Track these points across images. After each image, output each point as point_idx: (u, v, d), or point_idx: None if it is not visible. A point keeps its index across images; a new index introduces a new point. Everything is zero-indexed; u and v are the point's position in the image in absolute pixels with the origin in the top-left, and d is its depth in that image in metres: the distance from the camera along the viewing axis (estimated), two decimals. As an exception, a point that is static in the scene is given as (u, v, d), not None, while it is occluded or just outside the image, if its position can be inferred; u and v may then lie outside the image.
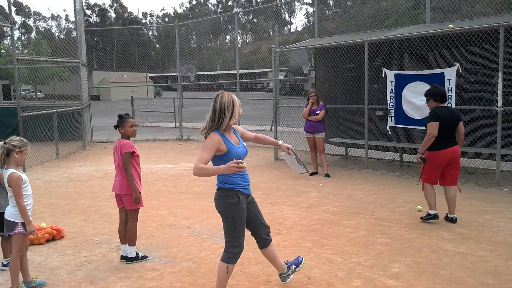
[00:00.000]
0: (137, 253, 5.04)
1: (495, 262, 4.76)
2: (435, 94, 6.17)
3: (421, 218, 6.26)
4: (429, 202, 6.21)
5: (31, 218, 4.26)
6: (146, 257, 5.09)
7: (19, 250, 4.24)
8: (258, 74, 61.82)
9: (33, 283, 4.39)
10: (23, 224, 4.19)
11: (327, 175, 9.39)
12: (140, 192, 4.96)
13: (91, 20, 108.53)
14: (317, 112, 9.47)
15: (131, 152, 4.88)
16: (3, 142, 4.21)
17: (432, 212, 6.17)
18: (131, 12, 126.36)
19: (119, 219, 5.12)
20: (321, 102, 9.64)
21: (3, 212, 4.59)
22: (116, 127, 5.04)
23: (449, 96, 8.31)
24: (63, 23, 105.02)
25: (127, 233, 5.03)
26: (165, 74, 66.92)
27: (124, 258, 5.05)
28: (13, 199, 4.19)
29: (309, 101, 9.56)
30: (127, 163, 4.86)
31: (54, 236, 5.81)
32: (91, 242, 5.72)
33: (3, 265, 4.88)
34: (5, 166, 4.21)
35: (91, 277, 4.63)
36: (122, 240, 5.08)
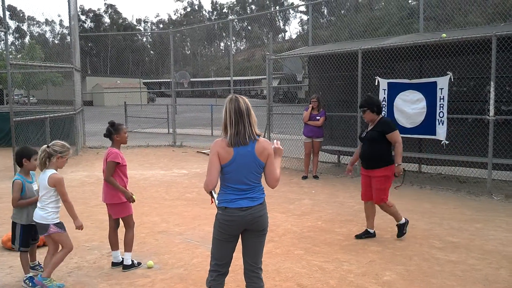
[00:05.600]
0: (132, 261, 5.02)
1: (485, 270, 4.78)
2: (376, 104, 5.76)
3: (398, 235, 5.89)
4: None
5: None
6: (140, 263, 5.07)
7: (69, 247, 4.45)
8: (252, 81, 61.92)
9: (47, 281, 4.36)
10: (56, 224, 4.34)
11: (315, 177, 9.71)
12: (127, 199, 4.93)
13: (86, 25, 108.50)
14: (318, 117, 9.72)
15: (116, 162, 4.84)
16: (46, 145, 4.38)
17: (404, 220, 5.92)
18: (125, 18, 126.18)
19: (109, 226, 5.09)
20: (321, 109, 9.88)
21: (33, 224, 4.51)
22: (108, 136, 4.94)
23: (442, 105, 8.37)
24: (57, 28, 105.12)
25: (124, 240, 5.00)
26: (159, 80, 66.90)
27: (116, 264, 5.02)
28: (44, 201, 4.31)
29: (310, 105, 9.87)
30: (109, 172, 4.80)
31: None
32: (82, 248, 5.68)
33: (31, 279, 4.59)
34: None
35: (81, 283, 4.60)
36: (113, 246, 5.05)
